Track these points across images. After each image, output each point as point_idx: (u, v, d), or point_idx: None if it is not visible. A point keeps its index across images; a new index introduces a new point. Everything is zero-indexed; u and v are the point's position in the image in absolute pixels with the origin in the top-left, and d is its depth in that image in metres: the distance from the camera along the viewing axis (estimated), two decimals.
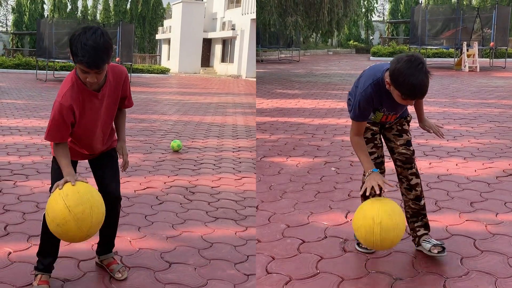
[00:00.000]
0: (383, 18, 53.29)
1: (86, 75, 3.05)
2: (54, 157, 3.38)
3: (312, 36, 34.10)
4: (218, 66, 42.19)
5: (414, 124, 4.30)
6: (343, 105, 11.92)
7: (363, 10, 46.72)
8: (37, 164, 6.96)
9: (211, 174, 6.70)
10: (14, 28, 45.79)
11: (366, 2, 46.82)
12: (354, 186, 5.62)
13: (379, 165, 3.92)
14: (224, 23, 40.72)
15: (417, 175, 3.86)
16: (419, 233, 3.91)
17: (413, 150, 3.90)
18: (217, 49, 42.96)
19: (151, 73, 33.66)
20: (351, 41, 45.71)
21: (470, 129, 8.75)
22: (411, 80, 3.21)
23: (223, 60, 41.83)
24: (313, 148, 7.48)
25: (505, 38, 25.74)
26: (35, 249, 3.57)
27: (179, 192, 5.86)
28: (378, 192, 3.49)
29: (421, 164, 6.29)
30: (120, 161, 3.67)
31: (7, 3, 53.76)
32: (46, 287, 3.44)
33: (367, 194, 3.55)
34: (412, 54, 3.34)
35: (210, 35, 43.28)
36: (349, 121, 9.53)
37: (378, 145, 3.94)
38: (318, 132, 8.66)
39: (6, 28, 53.58)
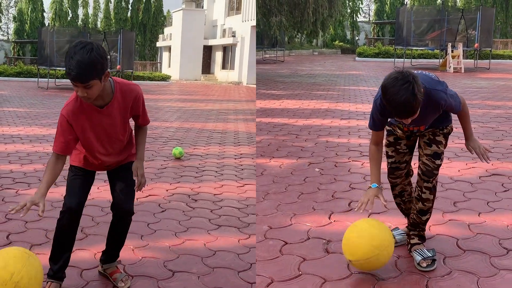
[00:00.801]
0: (369, 18, 53.55)
1: (76, 88, 3.05)
2: (70, 166, 3.53)
3: (297, 36, 34.16)
4: (219, 73, 42.12)
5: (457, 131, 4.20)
6: (328, 105, 11.93)
7: (349, 10, 46.84)
8: (39, 172, 6.87)
9: (213, 181, 6.64)
10: (16, 37, 45.75)
11: (351, 2, 46.95)
12: (338, 187, 5.61)
13: (394, 170, 3.90)
14: (224, 30, 40.66)
15: (431, 191, 3.71)
16: (412, 241, 3.89)
17: (439, 164, 3.69)
18: (218, 56, 42.89)
19: (152, 80, 33.67)
20: (337, 42, 45.81)
21: (454, 130, 8.70)
22: (394, 99, 3.14)
23: (223, 67, 41.74)
24: (297, 149, 7.46)
25: (489, 40, 25.89)
26: (39, 257, 3.50)
27: (181, 199, 5.80)
28: (362, 209, 3.53)
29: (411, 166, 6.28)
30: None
31: (8, 11, 53.76)
32: None
33: (356, 210, 3.57)
34: (402, 71, 3.23)
35: (211, 42, 43.21)
36: (333, 122, 9.59)
37: (400, 150, 3.87)
38: (302, 133, 8.64)
39: (8, 37, 53.76)
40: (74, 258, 3.93)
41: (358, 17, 48.37)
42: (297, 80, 18.58)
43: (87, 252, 4.17)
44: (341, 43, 45.57)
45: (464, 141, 3.95)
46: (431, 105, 3.48)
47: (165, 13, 51.30)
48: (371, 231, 3.47)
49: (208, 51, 44.25)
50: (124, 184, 3.53)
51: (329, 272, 3.65)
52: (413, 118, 3.29)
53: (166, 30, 48.90)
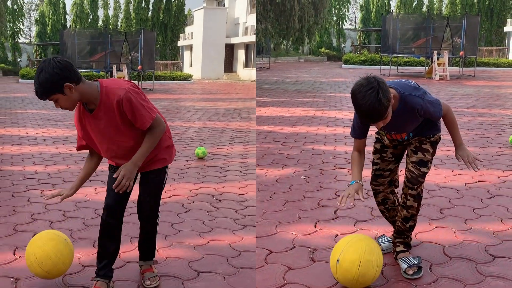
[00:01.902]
0: (355, 26, 53.77)
1: None
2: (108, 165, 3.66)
3: (283, 43, 34.12)
4: (242, 71, 41.76)
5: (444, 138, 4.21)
6: (314, 113, 11.92)
7: (335, 18, 47.01)
8: (63, 173, 7.01)
9: (237, 181, 6.57)
10: (38, 39, 45.78)
11: (337, 10, 47.12)
12: (324, 195, 5.57)
13: (377, 177, 3.89)
14: (246, 28, 40.41)
15: (415, 198, 3.69)
16: (397, 249, 3.86)
17: (425, 172, 3.67)
18: (240, 54, 42.60)
19: (173, 80, 33.50)
20: (323, 49, 45.94)
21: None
22: (360, 104, 3.17)
23: (246, 65, 41.41)
24: (282, 156, 7.42)
25: (474, 47, 26.11)
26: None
27: (205, 199, 5.77)
28: (343, 203, 3.49)
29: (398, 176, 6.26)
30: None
31: (30, 15, 53.86)
32: None
33: (338, 205, 3.53)
34: (368, 78, 3.22)
35: (233, 40, 42.93)
36: (319, 129, 9.57)
37: (386, 158, 3.87)
38: (288, 140, 8.60)
39: (30, 40, 53.74)
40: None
41: (344, 25, 48.55)
42: (283, 87, 18.58)
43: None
44: (327, 50, 45.72)
45: (453, 149, 3.89)
46: (407, 111, 3.47)
47: (186, 12, 50.55)
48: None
49: (230, 49, 43.81)
50: (146, 192, 3.60)
51: (314, 281, 3.60)
52: (385, 123, 3.30)
53: (187, 29, 48.15)
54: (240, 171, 7.17)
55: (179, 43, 48.74)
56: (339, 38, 47.65)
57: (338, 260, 3.40)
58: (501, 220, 4.78)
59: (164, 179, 3.64)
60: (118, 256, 3.71)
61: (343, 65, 32.70)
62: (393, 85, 3.46)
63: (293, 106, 13.28)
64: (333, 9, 45.84)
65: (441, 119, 3.75)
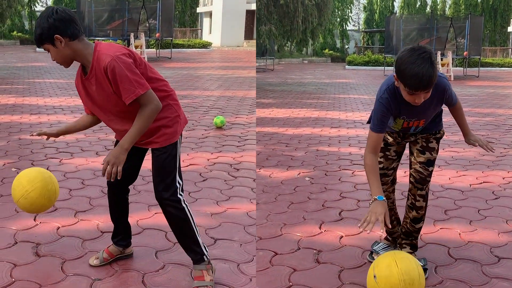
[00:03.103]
0: (358, 27, 53.71)
1: None
2: None
3: (287, 45, 34.10)
4: None
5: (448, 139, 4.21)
6: (318, 114, 11.91)
7: (338, 19, 46.99)
8: (81, 142, 7.24)
9: (255, 151, 6.57)
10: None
11: (341, 11, 47.09)
12: (328, 196, 5.57)
13: (381, 177, 3.75)
14: None
15: (424, 198, 3.69)
16: (404, 251, 3.83)
17: (431, 171, 3.67)
18: None
19: (192, 48, 33.23)
20: (326, 50, 45.89)
21: (444, 137, 8.72)
22: (412, 68, 3.02)
23: None
24: (287, 158, 7.42)
25: (478, 48, 26.07)
26: (82, 224, 3.87)
27: (223, 169, 5.87)
28: (369, 230, 2.98)
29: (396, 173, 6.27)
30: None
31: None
32: (103, 255, 3.71)
33: (363, 229, 3.02)
34: (417, 44, 3.16)
35: (254, 6, 42.09)
36: (323, 131, 9.57)
37: (389, 156, 3.82)
38: (292, 142, 8.60)
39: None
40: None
41: (347, 26, 48.53)
42: (287, 89, 18.55)
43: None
44: (331, 52, 45.66)
45: (458, 149, 3.89)
46: (437, 92, 3.37)
47: None
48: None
49: (251, 15, 42.61)
50: (154, 171, 3.35)
51: (320, 283, 3.61)
52: (426, 97, 3.17)
53: None
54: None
55: (198, 10, 47.46)
56: (342, 39, 47.64)
57: (375, 276, 2.92)
58: (506, 221, 4.79)
59: (176, 154, 3.34)
60: (136, 223, 3.88)
61: (347, 66, 32.67)
62: None
63: (297, 108, 13.26)
64: (336, 10, 45.81)
65: (449, 109, 3.75)
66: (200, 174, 5.59)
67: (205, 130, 7.89)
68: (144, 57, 23.92)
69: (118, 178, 3.05)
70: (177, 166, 3.36)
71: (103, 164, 3.06)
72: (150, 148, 3.37)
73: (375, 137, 3.44)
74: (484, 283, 3.58)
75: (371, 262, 3.90)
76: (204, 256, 3.43)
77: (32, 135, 3.59)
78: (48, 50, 3.11)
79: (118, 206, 3.68)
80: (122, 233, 3.74)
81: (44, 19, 3.02)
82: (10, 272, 3.56)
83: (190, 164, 5.96)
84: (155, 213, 4.64)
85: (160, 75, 3.38)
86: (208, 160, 6.16)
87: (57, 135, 3.55)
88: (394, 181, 3.95)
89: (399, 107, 3.42)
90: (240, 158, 6.18)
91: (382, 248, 4.04)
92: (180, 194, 3.37)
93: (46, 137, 3.57)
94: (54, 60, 3.17)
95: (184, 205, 3.37)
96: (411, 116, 3.52)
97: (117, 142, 3.46)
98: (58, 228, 4.32)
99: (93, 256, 3.74)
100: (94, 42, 3.19)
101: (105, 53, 3.03)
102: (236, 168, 5.82)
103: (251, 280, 3.53)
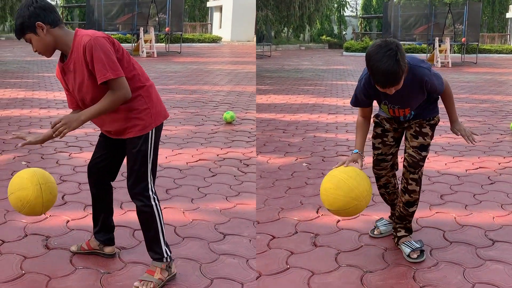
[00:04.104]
0: (356, 13, 53.55)
1: None
2: None
3: (284, 31, 34.03)
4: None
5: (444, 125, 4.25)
6: (316, 100, 11.95)
7: (335, 5, 46.80)
8: (90, 136, 7.28)
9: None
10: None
11: None
12: None
13: (379, 162, 3.92)
14: None
15: (417, 182, 3.74)
16: (399, 234, 3.90)
17: (425, 155, 3.73)
18: None
19: (202, 42, 33.00)
20: (324, 36, 45.77)
21: (441, 123, 8.71)
22: (378, 66, 3.13)
23: None
24: (284, 144, 7.46)
25: (476, 34, 26.10)
26: (91, 217, 3.76)
27: (232, 164, 5.90)
28: (339, 166, 3.51)
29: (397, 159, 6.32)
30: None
31: None
32: (83, 245, 3.75)
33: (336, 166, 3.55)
34: (386, 40, 3.23)
35: None
36: (321, 117, 9.61)
37: (387, 142, 3.89)
38: (290, 128, 8.64)
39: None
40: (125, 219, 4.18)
41: (345, 12, 48.36)
42: (284, 75, 18.56)
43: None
44: (328, 38, 45.56)
45: (454, 136, 3.96)
46: (415, 82, 3.46)
47: None
48: (349, 183, 3.34)
49: None
50: (128, 165, 3.34)
51: (317, 265, 3.67)
52: (397, 89, 3.29)
53: None
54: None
55: (209, 4, 46.94)
56: (340, 25, 47.49)
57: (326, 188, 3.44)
58: (501, 206, 4.85)
59: (146, 149, 3.29)
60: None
61: (344, 53, 32.64)
62: None
63: (295, 94, 13.28)
64: None
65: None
66: (209, 170, 5.64)
67: (215, 125, 7.94)
68: (153, 52, 23.89)
69: (59, 138, 3.09)
70: (148, 162, 3.31)
71: (57, 121, 3.04)
72: (124, 140, 3.34)
73: (360, 108, 3.76)
74: (478, 265, 3.64)
75: (373, 237, 4.12)
76: (164, 258, 3.38)
77: (11, 136, 3.38)
78: (29, 40, 3.11)
79: (97, 198, 3.65)
80: (100, 226, 3.68)
81: (25, 8, 3.03)
82: (20, 264, 3.60)
83: (199, 160, 6.01)
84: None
85: (139, 66, 3.35)
86: (217, 155, 6.21)
87: (42, 141, 3.36)
88: (393, 166, 4.01)
89: (378, 93, 3.52)
90: (249, 154, 6.24)
91: (384, 224, 4.18)
92: (152, 191, 3.34)
93: (20, 144, 3.41)
94: (35, 51, 3.16)
95: (153, 203, 3.34)
96: (393, 102, 3.61)
97: (101, 134, 3.52)
98: (68, 221, 4.35)
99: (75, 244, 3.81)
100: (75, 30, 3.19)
101: (85, 34, 3.06)
102: (246, 163, 5.87)
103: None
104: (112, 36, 15.19)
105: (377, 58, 3.13)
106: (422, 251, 3.74)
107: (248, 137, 7.16)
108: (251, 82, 13.52)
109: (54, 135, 3.07)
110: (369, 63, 3.21)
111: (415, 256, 3.71)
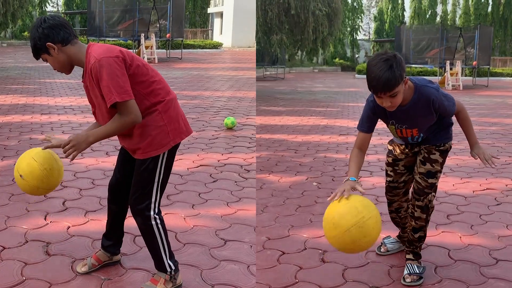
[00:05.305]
0: (369, 36, 53.76)
1: None
2: None
3: (297, 54, 34.23)
4: None
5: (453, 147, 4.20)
6: (327, 121, 12.07)
7: (348, 29, 47.07)
8: None
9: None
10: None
11: (351, 21, 47.19)
12: None
13: (392, 189, 3.98)
14: None
15: (423, 209, 3.72)
16: (407, 256, 3.94)
17: (432, 183, 3.69)
18: None
19: (203, 48, 33.10)
20: (337, 59, 45.98)
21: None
22: (372, 71, 3.17)
23: None
24: (296, 163, 7.59)
25: (487, 58, 26.20)
26: (92, 224, 3.87)
27: (233, 170, 5.92)
28: (335, 198, 3.26)
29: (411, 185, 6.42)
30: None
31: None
32: (91, 261, 3.66)
33: (329, 200, 3.33)
34: (388, 51, 3.25)
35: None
36: (332, 138, 9.73)
37: (398, 171, 3.93)
38: (301, 148, 8.77)
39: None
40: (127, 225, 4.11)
41: (358, 35, 48.58)
42: (297, 97, 18.70)
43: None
44: (341, 61, 45.75)
45: (463, 157, 4.01)
46: (421, 101, 3.44)
47: None
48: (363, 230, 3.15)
49: None
50: (134, 179, 3.28)
51: (324, 280, 3.78)
52: (394, 103, 3.26)
53: None
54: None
55: (209, 10, 47.05)
56: (353, 49, 47.71)
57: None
58: (507, 226, 4.94)
59: (155, 168, 3.21)
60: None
61: (357, 75, 32.80)
62: (409, 77, 3.46)
63: (307, 115, 13.41)
64: (347, 20, 45.93)
65: (456, 119, 3.76)
66: (210, 175, 5.68)
67: (216, 131, 7.97)
68: (154, 58, 23.99)
69: (70, 160, 3.12)
70: (155, 180, 3.24)
71: (66, 142, 3.05)
72: (137, 160, 3.27)
73: (361, 135, 3.68)
74: (481, 283, 3.73)
75: (379, 254, 4.20)
76: (168, 271, 3.36)
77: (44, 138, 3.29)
78: (45, 60, 3.14)
79: (116, 215, 3.62)
80: (114, 239, 3.70)
81: (35, 30, 3.05)
82: (21, 270, 3.64)
83: (200, 165, 6.05)
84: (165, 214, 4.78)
85: (160, 78, 3.26)
86: (218, 161, 6.25)
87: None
88: (406, 192, 4.05)
89: (385, 111, 3.54)
90: (250, 160, 6.28)
91: (391, 242, 4.28)
92: (154, 210, 3.27)
93: (43, 147, 3.25)
94: (54, 69, 3.21)
95: (153, 222, 3.26)
96: (400, 122, 3.61)
97: (122, 148, 3.45)
98: (69, 227, 4.41)
99: (81, 263, 3.69)
100: (88, 44, 3.16)
101: (92, 55, 3.00)
102: (247, 169, 5.92)
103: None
104: (113, 42, 14.87)
105: (373, 64, 3.19)
106: (420, 277, 3.74)
107: (249, 142, 7.20)
108: (251, 88, 13.59)
109: (67, 158, 3.07)
110: (367, 72, 3.25)
111: (408, 280, 3.71)
